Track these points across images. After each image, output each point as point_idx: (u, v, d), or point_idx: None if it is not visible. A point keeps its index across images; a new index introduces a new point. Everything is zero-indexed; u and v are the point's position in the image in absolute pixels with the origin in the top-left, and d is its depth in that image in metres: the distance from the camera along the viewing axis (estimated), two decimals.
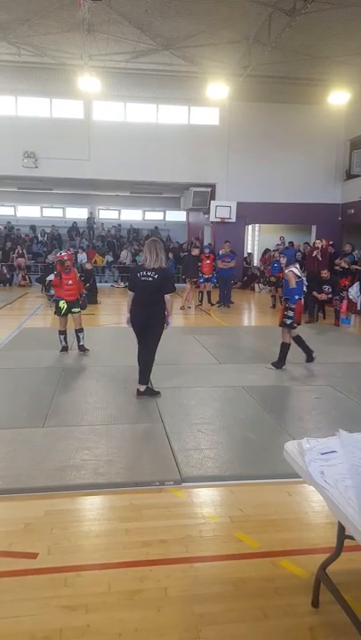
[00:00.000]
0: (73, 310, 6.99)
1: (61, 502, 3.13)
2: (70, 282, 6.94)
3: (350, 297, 11.70)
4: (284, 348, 6.48)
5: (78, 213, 21.99)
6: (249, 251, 19.05)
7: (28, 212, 21.94)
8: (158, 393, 5.25)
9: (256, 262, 18.43)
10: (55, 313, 7.12)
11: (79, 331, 7.11)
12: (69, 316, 7.05)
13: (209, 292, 12.11)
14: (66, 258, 6.99)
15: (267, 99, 15.45)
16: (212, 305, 12.04)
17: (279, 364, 6.49)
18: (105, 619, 2.21)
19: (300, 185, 16.35)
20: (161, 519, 3.03)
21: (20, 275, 17.26)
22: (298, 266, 6.68)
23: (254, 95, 14.99)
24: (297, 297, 6.40)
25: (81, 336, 7.12)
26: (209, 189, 16.41)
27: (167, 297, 5.04)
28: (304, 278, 6.74)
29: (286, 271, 6.44)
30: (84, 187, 18.72)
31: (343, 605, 2.18)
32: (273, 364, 6.51)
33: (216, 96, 13.68)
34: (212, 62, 12.81)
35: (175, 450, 3.87)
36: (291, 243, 16.78)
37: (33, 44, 12.09)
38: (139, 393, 5.17)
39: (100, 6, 9.78)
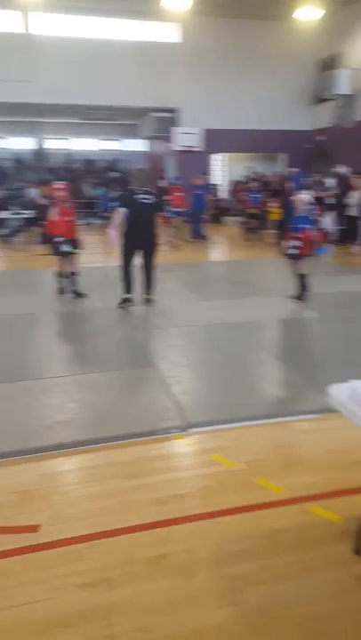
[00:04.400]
0: (73, 251, 6.37)
1: (56, 463, 2.77)
2: (68, 218, 6.28)
3: (324, 227, 11.41)
4: (301, 278, 6.12)
5: (24, 143, 19.92)
6: (217, 182, 18.17)
7: None
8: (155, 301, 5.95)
9: (225, 194, 17.67)
10: (53, 253, 6.47)
11: (74, 274, 6.48)
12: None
13: (180, 227, 11.51)
14: (64, 189, 6.24)
15: (233, 14, 14.08)
16: (185, 240, 11.50)
17: (302, 295, 6.14)
18: (132, 593, 1.93)
19: (268, 110, 15.40)
20: (172, 471, 2.74)
21: None
22: (310, 193, 6.23)
23: (219, 9, 13.60)
24: (305, 226, 5.96)
25: (76, 280, 6.49)
26: (171, 115, 15.24)
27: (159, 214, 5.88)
28: (314, 206, 6.30)
29: (294, 197, 6.01)
30: (28, 113, 16.83)
31: None
32: (296, 298, 6.15)
33: (175, 8, 12.31)
34: None
35: (175, 395, 3.55)
36: (255, 173, 16.10)
37: None
38: (149, 301, 5.87)
39: None
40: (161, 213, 5.86)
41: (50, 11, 13.56)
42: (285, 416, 3.34)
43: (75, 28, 14.18)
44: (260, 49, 14.80)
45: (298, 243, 5.92)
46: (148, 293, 5.93)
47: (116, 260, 6.12)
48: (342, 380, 2.11)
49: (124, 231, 5.63)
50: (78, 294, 6.47)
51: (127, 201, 5.60)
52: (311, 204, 6.07)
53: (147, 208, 5.54)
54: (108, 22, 14.28)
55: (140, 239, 5.65)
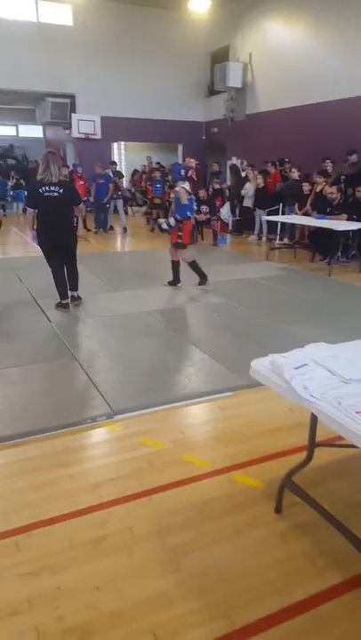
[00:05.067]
0: None
1: None
2: None
3: (222, 217, 11.93)
4: (175, 266, 6.49)
5: None
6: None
7: None
8: (81, 299, 5.64)
9: (126, 184, 17.64)
10: None
11: None
12: None
13: (84, 217, 11.29)
14: None
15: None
16: (89, 230, 11.32)
17: (175, 281, 6.55)
18: (76, 575, 1.98)
19: (165, 100, 15.54)
20: (103, 457, 2.80)
21: None
22: (188, 183, 6.47)
23: None
24: (188, 213, 6.24)
25: None
26: (68, 100, 14.79)
27: (80, 207, 5.39)
28: (193, 196, 6.56)
29: (177, 187, 6.20)
30: None
31: (313, 505, 2.23)
32: (169, 283, 6.53)
33: None
34: None
35: (97, 383, 3.58)
36: (158, 163, 16.30)
37: None
38: (73, 298, 5.51)
39: None
40: (77, 207, 5.30)
41: None
42: (203, 396, 3.54)
43: None
44: (155, 38, 14.84)
45: (182, 232, 6.24)
46: (71, 289, 5.53)
47: (18, 250, 5.90)
48: (251, 358, 2.31)
49: (37, 230, 5.15)
50: None
51: (33, 197, 5.09)
52: (190, 193, 6.33)
53: (54, 202, 4.97)
54: None
55: (52, 236, 5.12)
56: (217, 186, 12.19)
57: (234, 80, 13.46)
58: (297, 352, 2.19)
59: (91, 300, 5.86)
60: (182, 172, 6.51)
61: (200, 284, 6.49)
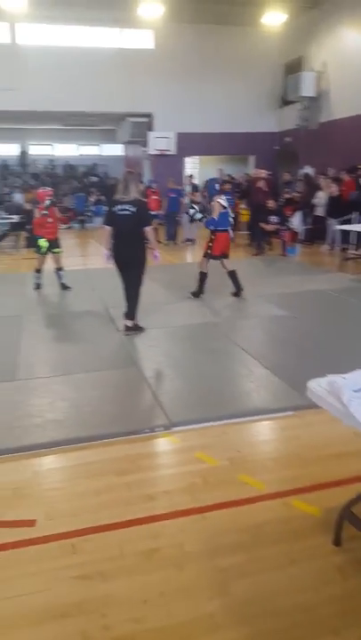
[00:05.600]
0: (54, 250, 7.06)
1: (49, 461, 2.84)
2: (50, 220, 6.90)
3: (293, 227, 11.67)
4: (203, 277, 6.56)
5: (9, 150, 20.21)
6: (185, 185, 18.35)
7: None
8: (143, 329, 5.21)
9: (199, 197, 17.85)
10: (35, 251, 7.24)
11: (60, 269, 7.17)
12: (48, 255, 7.07)
13: (156, 229, 11.55)
14: (49, 195, 7.05)
15: (202, 20, 14.27)
16: (160, 242, 11.56)
17: (198, 293, 6.59)
18: (125, 585, 2.00)
19: (238, 113, 15.65)
20: (160, 469, 2.84)
21: None
22: (223, 197, 6.53)
23: (189, 16, 13.74)
24: (221, 228, 6.28)
25: (62, 274, 7.18)
26: (147, 119, 15.31)
27: (147, 229, 5.01)
28: (230, 210, 6.60)
29: (213, 202, 6.32)
30: (12, 120, 16.80)
31: None
32: (192, 293, 6.59)
33: (150, 16, 12.44)
34: None
35: (158, 394, 3.63)
36: (228, 175, 16.32)
37: None
38: (126, 328, 5.14)
39: None
40: (147, 227, 5.00)
41: (34, 21, 13.54)
42: (263, 413, 3.47)
43: (56, 37, 14.31)
44: (230, 54, 15.07)
45: (212, 243, 6.32)
46: (126, 315, 5.15)
47: (95, 261, 6.16)
48: (316, 376, 2.24)
49: (111, 247, 5.09)
50: (65, 287, 7.14)
51: (109, 215, 5.10)
52: (225, 207, 6.37)
53: (126, 220, 4.87)
54: (87, 31, 14.39)
55: (120, 254, 5.03)
56: (288, 195, 11.99)
57: (307, 89, 13.36)
58: (358, 373, 2.08)
59: (156, 310, 5.95)
60: (217, 186, 6.68)
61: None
